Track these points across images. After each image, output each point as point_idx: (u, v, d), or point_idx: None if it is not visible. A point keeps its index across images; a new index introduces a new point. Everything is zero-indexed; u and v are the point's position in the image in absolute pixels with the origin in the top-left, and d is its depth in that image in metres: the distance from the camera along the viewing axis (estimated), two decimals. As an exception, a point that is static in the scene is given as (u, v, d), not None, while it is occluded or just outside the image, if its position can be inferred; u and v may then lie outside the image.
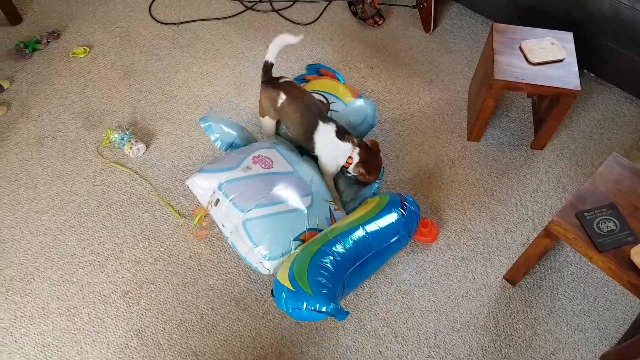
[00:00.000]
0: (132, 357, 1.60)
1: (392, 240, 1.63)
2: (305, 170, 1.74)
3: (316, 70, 2.20)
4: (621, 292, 1.75)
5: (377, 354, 1.63)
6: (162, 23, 2.50)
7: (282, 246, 1.58)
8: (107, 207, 1.91)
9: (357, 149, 1.75)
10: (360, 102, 1.91)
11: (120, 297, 1.71)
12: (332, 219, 1.70)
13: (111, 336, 1.64)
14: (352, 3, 2.55)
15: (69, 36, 2.42)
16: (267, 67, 1.79)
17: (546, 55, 1.89)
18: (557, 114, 1.92)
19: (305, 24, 2.52)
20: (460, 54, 2.41)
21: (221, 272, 1.77)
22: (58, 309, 1.69)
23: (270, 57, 1.78)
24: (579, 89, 1.82)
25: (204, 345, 1.63)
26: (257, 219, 1.58)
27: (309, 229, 1.63)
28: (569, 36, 1.97)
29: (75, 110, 2.17)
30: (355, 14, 2.54)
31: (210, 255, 1.81)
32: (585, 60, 2.22)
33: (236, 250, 1.64)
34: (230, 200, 1.61)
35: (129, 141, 2.00)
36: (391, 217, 1.64)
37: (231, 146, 1.83)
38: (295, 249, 1.60)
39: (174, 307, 1.70)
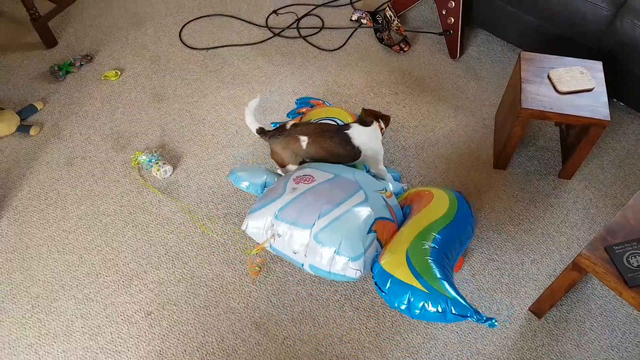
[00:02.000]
0: (152, 380, 1.60)
1: (469, 229, 1.66)
2: (344, 170, 1.75)
3: (306, 102, 2.20)
4: (654, 329, 1.69)
5: (398, 385, 1.59)
6: (191, 48, 2.56)
7: (361, 242, 1.55)
8: (133, 227, 1.94)
9: (377, 121, 1.87)
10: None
11: (142, 317, 1.73)
12: (389, 207, 1.70)
13: (132, 356, 1.64)
14: (379, 30, 2.58)
15: (102, 59, 2.50)
16: (261, 131, 1.81)
17: (575, 85, 1.87)
18: (586, 144, 1.89)
19: (331, 50, 2.55)
20: (487, 81, 2.40)
21: (243, 295, 1.77)
22: (82, 327, 1.71)
23: (253, 126, 1.81)
24: (609, 119, 1.79)
25: (224, 369, 1.62)
26: (326, 227, 1.56)
27: (376, 219, 1.61)
28: (598, 65, 1.94)
29: (105, 132, 2.23)
30: (381, 40, 2.56)
31: (233, 277, 1.81)
32: (615, 89, 2.19)
33: (317, 272, 1.61)
34: (292, 224, 1.60)
35: (157, 163, 2.04)
36: (465, 208, 1.68)
37: (265, 187, 1.84)
38: (372, 241, 1.58)
39: (195, 329, 1.70)
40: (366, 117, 1.87)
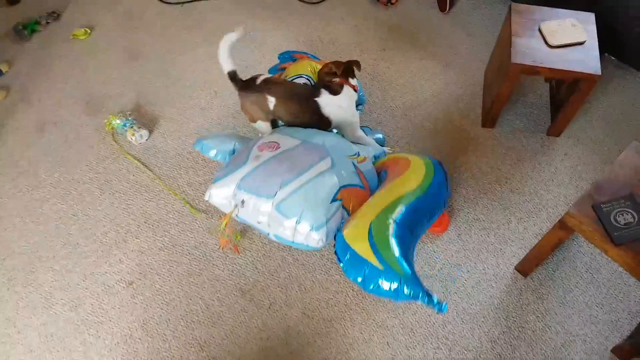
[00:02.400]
0: (136, 349, 1.58)
1: (441, 202, 1.60)
2: (313, 135, 1.68)
3: (290, 57, 2.09)
4: (635, 284, 1.70)
5: (384, 345, 1.59)
6: (167, 2, 2.41)
7: (324, 212, 1.50)
8: (110, 195, 1.87)
9: (346, 81, 1.74)
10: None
11: (124, 287, 1.69)
12: (359, 173, 1.64)
13: (115, 327, 1.61)
14: (363, -19, 2.46)
15: (70, 16, 2.35)
16: (232, 76, 1.69)
17: (567, 38, 1.80)
18: (576, 99, 1.84)
19: (315, 3, 2.43)
20: (477, 36, 2.31)
21: (227, 262, 1.74)
22: (61, 299, 1.66)
23: (227, 66, 1.67)
24: (599, 73, 1.73)
25: (209, 336, 1.60)
26: (288, 197, 1.51)
27: (341, 187, 1.56)
28: (591, 17, 1.87)
29: (76, 95, 2.12)
30: (365, -8, 2.44)
31: (216, 245, 1.77)
32: (607, 43, 2.12)
33: (282, 241, 1.57)
34: (254, 194, 1.54)
35: (132, 127, 1.95)
36: (441, 180, 1.61)
37: (233, 153, 1.76)
38: (336, 210, 1.53)
39: (179, 298, 1.67)
40: (333, 81, 1.72)
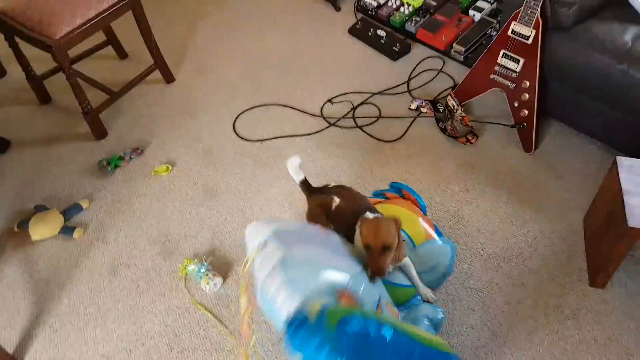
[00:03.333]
0: None
1: None
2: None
3: (398, 190, 1.99)
4: None
5: None
6: (245, 140, 2.43)
7: (314, 287, 1.27)
8: (179, 353, 1.72)
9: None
10: (438, 244, 1.72)
11: None
12: (379, 308, 1.41)
13: None
14: (441, 119, 2.40)
15: (152, 152, 2.39)
16: (304, 183, 1.77)
17: (691, 198, 1.60)
18: None
19: (390, 141, 2.37)
20: (568, 179, 2.15)
21: None
22: None
23: (298, 177, 1.76)
24: None
25: None
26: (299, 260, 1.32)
27: (349, 288, 1.33)
28: None
29: (152, 235, 2.07)
30: (444, 130, 2.37)
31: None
32: None
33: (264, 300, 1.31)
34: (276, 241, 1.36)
35: (207, 274, 1.85)
36: None
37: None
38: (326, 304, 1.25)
39: None
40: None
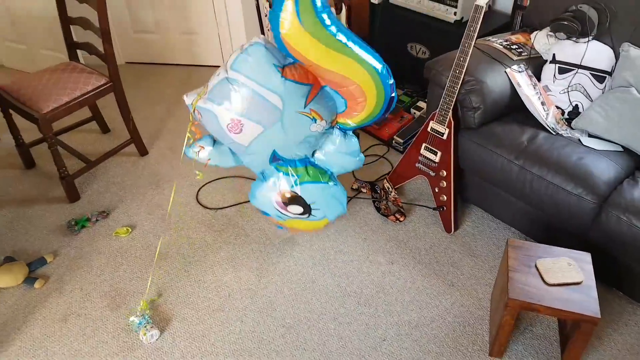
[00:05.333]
0: None
1: None
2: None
3: None
4: None
5: None
6: (204, 207, 2.72)
7: None
8: (110, 396, 1.90)
9: None
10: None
11: None
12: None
13: None
14: (376, 199, 2.71)
15: (117, 216, 2.68)
16: None
17: (563, 277, 1.87)
18: (580, 339, 1.83)
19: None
20: (482, 259, 2.42)
21: None
22: None
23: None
24: (599, 315, 1.75)
25: None
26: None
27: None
28: (587, 257, 1.96)
29: (104, 289, 2.30)
30: (378, 209, 2.68)
31: None
32: (612, 278, 2.17)
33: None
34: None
35: (145, 327, 2.06)
36: None
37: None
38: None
39: None
40: None
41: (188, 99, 1.93)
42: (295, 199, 2.10)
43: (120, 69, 2.76)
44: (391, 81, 1.95)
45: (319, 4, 1.76)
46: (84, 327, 2.14)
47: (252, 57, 1.82)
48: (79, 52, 2.95)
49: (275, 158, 2.03)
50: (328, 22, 1.79)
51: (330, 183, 2.18)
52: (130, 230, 2.58)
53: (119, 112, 2.95)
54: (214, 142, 2.07)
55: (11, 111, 2.71)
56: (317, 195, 2.15)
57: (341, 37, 1.82)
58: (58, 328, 2.14)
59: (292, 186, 2.08)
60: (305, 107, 1.91)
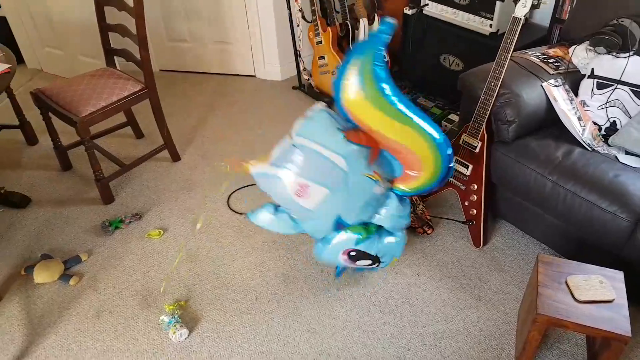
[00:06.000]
0: None
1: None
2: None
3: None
4: None
5: None
6: (234, 212, 2.78)
7: None
8: (139, 392, 1.95)
9: None
10: None
11: None
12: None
13: None
14: (406, 212, 2.72)
15: (149, 218, 2.75)
16: None
17: (594, 294, 1.85)
18: (610, 358, 1.80)
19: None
20: (510, 274, 2.40)
21: None
22: None
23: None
24: (630, 334, 1.72)
25: None
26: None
27: None
28: (619, 275, 1.93)
29: (136, 288, 2.36)
30: (407, 222, 2.69)
31: None
32: (643, 298, 2.13)
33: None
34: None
35: (175, 325, 2.11)
36: None
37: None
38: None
39: None
40: None
41: (254, 169, 1.98)
42: (361, 255, 2.11)
43: (154, 77, 2.84)
44: (449, 151, 1.95)
45: (380, 74, 1.81)
46: (116, 324, 2.20)
47: (316, 121, 1.89)
48: (115, 58, 3.05)
49: (339, 226, 2.05)
50: (389, 91, 1.83)
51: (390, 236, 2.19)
52: (162, 232, 2.64)
53: (153, 118, 3.03)
54: (275, 209, 2.10)
55: (50, 114, 2.82)
56: (379, 246, 2.15)
57: (401, 107, 1.86)
58: (91, 324, 2.21)
59: (356, 244, 2.08)
60: (368, 168, 1.95)
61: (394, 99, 1.84)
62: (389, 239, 2.15)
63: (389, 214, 2.09)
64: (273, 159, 1.93)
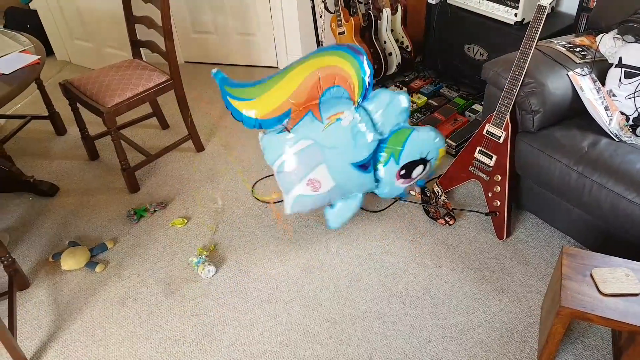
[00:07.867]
0: None
1: None
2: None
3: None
4: None
5: None
6: (258, 200, 2.80)
7: None
8: (162, 377, 1.99)
9: None
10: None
11: None
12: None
13: None
14: (426, 202, 2.70)
15: (173, 207, 2.79)
16: None
17: (619, 287, 1.80)
18: (636, 352, 1.76)
19: (376, 211, 2.68)
20: (534, 266, 2.36)
21: None
22: None
23: None
24: (658, 330, 1.68)
25: None
26: None
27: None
28: (647, 269, 1.88)
29: (160, 276, 2.41)
30: (427, 212, 2.66)
31: None
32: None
33: None
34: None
35: (203, 264, 2.35)
36: None
37: None
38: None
39: None
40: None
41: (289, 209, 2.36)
42: (409, 167, 2.30)
43: (179, 68, 2.88)
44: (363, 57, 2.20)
45: (222, 89, 2.22)
46: (140, 311, 2.25)
47: (265, 141, 2.21)
48: (141, 50, 3.09)
49: (362, 167, 2.25)
50: (235, 83, 2.23)
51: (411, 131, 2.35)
52: (185, 221, 2.68)
53: (178, 109, 3.07)
54: (331, 206, 2.46)
55: (78, 105, 2.88)
56: (415, 147, 2.34)
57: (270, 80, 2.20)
58: (116, 311, 2.26)
59: (397, 163, 2.28)
60: (322, 122, 2.17)
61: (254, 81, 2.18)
62: (414, 137, 2.31)
63: (384, 112, 2.26)
64: (281, 190, 2.28)
